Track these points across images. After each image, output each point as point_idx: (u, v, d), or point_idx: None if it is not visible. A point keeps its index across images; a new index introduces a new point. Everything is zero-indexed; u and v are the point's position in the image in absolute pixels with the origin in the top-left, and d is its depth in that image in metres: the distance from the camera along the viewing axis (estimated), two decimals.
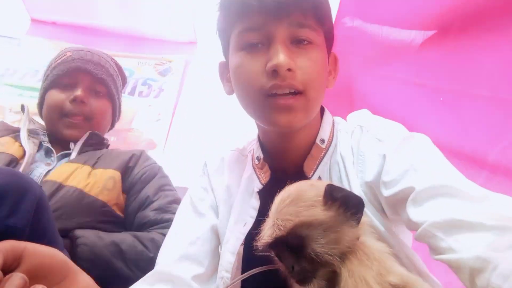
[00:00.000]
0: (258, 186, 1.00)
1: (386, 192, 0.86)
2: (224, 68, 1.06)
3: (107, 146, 1.61)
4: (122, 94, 1.77)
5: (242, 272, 0.97)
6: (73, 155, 1.45)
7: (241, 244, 0.98)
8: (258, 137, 1.07)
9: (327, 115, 1.04)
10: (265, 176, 1.00)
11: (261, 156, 1.03)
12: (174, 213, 1.17)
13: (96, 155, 1.45)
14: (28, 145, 1.41)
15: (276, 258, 0.74)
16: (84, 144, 1.49)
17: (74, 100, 1.48)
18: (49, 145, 1.49)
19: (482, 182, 0.81)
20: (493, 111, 1.36)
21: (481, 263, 0.64)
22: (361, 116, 1.05)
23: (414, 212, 0.78)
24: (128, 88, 2.84)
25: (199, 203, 1.10)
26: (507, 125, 1.31)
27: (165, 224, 1.33)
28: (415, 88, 1.64)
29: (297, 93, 0.89)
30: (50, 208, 0.85)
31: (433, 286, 0.83)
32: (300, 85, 0.89)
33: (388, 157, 0.89)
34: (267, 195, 0.95)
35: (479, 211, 0.71)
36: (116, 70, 1.69)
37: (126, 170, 1.45)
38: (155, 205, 1.39)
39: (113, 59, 1.72)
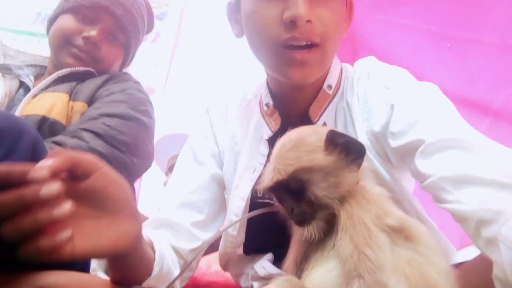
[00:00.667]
0: (267, 133, 0.99)
1: (394, 143, 0.85)
2: (233, 9, 1.00)
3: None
4: None
5: (248, 225, 1.00)
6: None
7: (250, 190, 0.99)
8: (267, 82, 1.04)
9: (336, 61, 1.01)
10: (275, 124, 0.98)
11: (271, 103, 1.00)
12: (102, 124, 1.14)
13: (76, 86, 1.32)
14: (3, 84, 1.30)
15: (277, 201, 0.75)
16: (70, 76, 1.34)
17: (86, 38, 1.33)
18: (28, 78, 1.38)
19: (485, 129, 0.81)
20: (500, 58, 1.34)
21: (492, 215, 0.64)
22: (369, 63, 1.02)
23: (423, 164, 0.78)
24: None
25: (199, 151, 1.09)
26: None
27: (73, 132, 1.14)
28: (421, 34, 1.60)
29: (313, 45, 0.86)
30: (46, 148, 0.84)
31: (432, 230, 0.85)
32: (318, 37, 0.85)
33: (396, 106, 0.87)
34: (275, 142, 0.96)
35: (490, 167, 0.71)
36: (146, 17, 1.53)
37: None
38: (85, 114, 1.22)
39: (147, 4, 1.55)
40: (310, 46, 0.85)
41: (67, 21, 1.36)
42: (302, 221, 0.68)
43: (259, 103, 1.05)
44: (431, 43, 1.57)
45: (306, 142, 0.70)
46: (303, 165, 0.68)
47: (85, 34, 1.33)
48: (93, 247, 0.62)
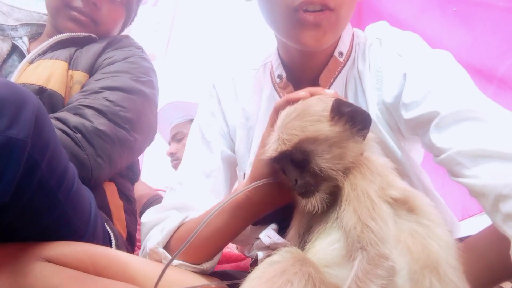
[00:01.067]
0: None
1: (407, 115, 0.82)
2: None
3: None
4: None
5: None
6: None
7: None
8: (278, 52, 1.01)
9: (348, 26, 0.97)
10: None
11: (284, 74, 0.98)
12: (104, 100, 1.11)
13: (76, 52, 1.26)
14: None
15: (280, 172, 0.74)
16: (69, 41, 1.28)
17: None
18: (21, 41, 1.31)
19: (490, 97, 0.79)
20: (506, 23, 1.30)
21: (510, 190, 0.63)
22: (380, 29, 0.98)
23: (438, 138, 0.76)
24: None
25: (207, 130, 1.07)
26: None
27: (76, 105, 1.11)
28: None
29: (327, 9, 0.82)
30: (50, 120, 0.83)
31: (437, 203, 0.84)
32: (333, 3, 0.82)
33: (409, 76, 0.84)
34: None
35: (508, 140, 0.69)
36: None
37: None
38: (86, 87, 1.17)
39: None
40: (324, 10, 0.82)
41: None
42: (306, 193, 0.68)
43: (270, 74, 1.02)
44: (436, 6, 1.52)
45: (311, 112, 0.69)
46: (308, 135, 0.67)
47: None
48: None
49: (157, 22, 2.76)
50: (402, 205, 0.65)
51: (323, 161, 0.67)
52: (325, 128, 0.67)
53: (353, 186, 0.65)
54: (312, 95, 0.74)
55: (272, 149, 0.70)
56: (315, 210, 0.68)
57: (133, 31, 2.66)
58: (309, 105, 0.71)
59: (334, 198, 0.68)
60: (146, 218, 0.98)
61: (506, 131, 0.71)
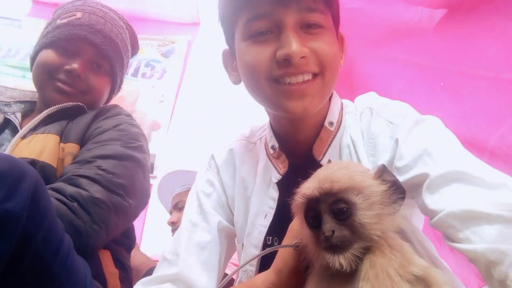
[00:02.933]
0: (276, 176, 0.98)
1: (400, 178, 0.81)
2: (228, 57, 1.01)
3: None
4: (126, 76, 1.58)
5: (262, 264, 0.96)
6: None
7: (263, 237, 0.97)
8: (271, 124, 1.04)
9: (336, 97, 1.02)
10: (283, 166, 0.98)
11: (276, 145, 1.00)
12: (97, 169, 1.12)
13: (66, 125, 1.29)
14: None
15: (306, 224, 0.69)
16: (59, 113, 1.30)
17: (69, 71, 1.30)
18: (14, 116, 1.33)
19: None
20: (494, 94, 1.33)
21: (497, 255, 0.63)
22: (370, 99, 1.03)
23: (429, 200, 0.77)
24: (131, 70, 2.81)
25: (205, 200, 1.07)
26: (508, 110, 1.28)
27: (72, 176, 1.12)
28: (415, 70, 1.61)
29: (312, 76, 0.86)
30: (47, 192, 0.84)
31: (444, 271, 0.82)
32: (317, 67, 0.86)
33: (400, 141, 0.87)
34: (285, 185, 0.96)
35: (496, 201, 0.69)
36: (128, 40, 1.50)
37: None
38: (79, 158, 1.19)
39: (128, 25, 1.52)
40: (307, 80, 0.86)
41: (48, 56, 1.32)
42: (338, 248, 0.63)
43: (265, 146, 1.04)
44: (425, 81, 1.57)
45: (357, 167, 0.69)
46: (355, 184, 0.64)
47: (67, 67, 1.30)
48: None
49: (162, 94, 2.86)
50: (421, 282, 0.62)
51: (366, 217, 0.63)
52: (372, 182, 0.66)
53: (372, 264, 0.62)
54: None
55: (315, 188, 0.65)
56: (343, 269, 0.62)
57: (139, 103, 2.78)
58: (351, 163, 0.72)
59: (350, 274, 0.64)
60: None
61: (493, 191, 0.72)
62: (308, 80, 0.86)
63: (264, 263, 0.97)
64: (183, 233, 1.05)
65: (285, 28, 0.84)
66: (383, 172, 0.68)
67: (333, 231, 0.63)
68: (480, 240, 0.67)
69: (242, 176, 1.06)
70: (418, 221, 0.98)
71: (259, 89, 0.91)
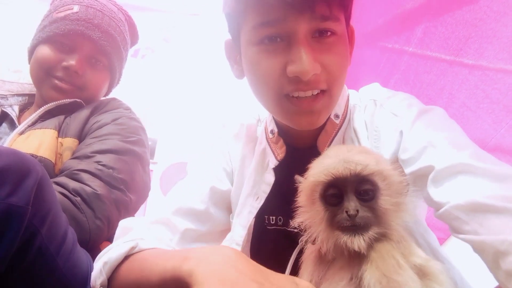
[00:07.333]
0: (273, 162, 0.96)
1: (405, 170, 0.82)
2: (231, 49, 0.95)
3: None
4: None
5: (252, 246, 0.96)
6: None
7: (253, 218, 0.96)
8: None
9: (344, 89, 0.98)
10: (281, 152, 0.96)
11: (275, 130, 0.98)
12: (96, 164, 1.12)
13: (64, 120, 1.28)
14: None
15: (323, 199, 0.67)
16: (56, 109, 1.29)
17: (66, 68, 1.27)
18: (12, 109, 1.32)
19: None
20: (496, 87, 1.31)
21: (507, 246, 0.62)
22: (373, 90, 1.01)
23: (435, 192, 0.76)
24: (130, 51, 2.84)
25: (214, 163, 1.06)
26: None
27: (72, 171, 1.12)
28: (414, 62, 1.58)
29: (320, 92, 0.83)
30: (52, 187, 0.83)
31: (445, 263, 0.82)
32: (325, 84, 0.82)
33: (405, 133, 0.85)
34: (281, 171, 0.95)
35: (502, 193, 0.68)
36: (127, 32, 1.46)
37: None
38: (78, 153, 1.18)
39: (127, 16, 1.48)
40: (316, 94, 0.83)
41: (45, 52, 1.29)
42: (361, 227, 0.62)
43: (265, 129, 1.03)
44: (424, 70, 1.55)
45: (376, 153, 0.69)
46: (382, 170, 0.64)
47: (65, 63, 1.27)
48: None
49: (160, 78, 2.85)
50: (420, 272, 0.61)
51: (388, 202, 0.63)
52: (395, 172, 0.66)
53: (377, 249, 0.62)
54: None
55: (343, 168, 0.64)
56: (359, 250, 0.61)
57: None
58: (368, 149, 0.71)
59: (350, 259, 0.64)
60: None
61: (499, 183, 0.70)
62: (317, 94, 0.83)
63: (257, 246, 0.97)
64: (186, 184, 1.06)
65: (297, 39, 0.79)
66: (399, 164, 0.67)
67: (357, 211, 0.62)
68: (488, 231, 0.66)
69: (243, 154, 1.05)
70: (420, 212, 0.97)
71: (267, 101, 0.88)
